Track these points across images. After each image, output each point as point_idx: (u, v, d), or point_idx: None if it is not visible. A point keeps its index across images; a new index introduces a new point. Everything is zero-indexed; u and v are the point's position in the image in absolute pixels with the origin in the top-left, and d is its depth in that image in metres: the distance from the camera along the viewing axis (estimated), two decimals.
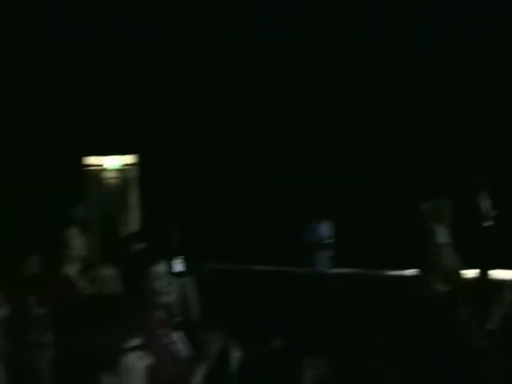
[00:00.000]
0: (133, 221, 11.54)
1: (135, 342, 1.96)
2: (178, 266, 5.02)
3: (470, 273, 7.86)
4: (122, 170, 11.91)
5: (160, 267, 3.00)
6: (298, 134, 10.70)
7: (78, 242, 4.67)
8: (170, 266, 3.96)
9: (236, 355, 3.37)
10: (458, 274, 5.93)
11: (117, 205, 11.60)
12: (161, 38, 11.26)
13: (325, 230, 8.45)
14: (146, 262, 2.89)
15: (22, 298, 4.42)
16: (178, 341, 3.34)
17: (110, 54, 11.31)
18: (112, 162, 11.85)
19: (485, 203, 8.84)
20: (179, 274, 5.86)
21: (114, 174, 11.83)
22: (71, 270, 4.67)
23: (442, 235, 5.88)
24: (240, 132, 11.20)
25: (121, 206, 11.64)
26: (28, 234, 9.21)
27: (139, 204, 11.80)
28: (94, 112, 11.34)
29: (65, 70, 11.26)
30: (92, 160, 11.76)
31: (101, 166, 11.80)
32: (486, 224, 8.79)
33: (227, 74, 11.22)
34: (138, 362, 1.95)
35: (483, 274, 8.73)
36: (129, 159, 11.96)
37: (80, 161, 11.61)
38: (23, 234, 9.13)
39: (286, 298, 7.76)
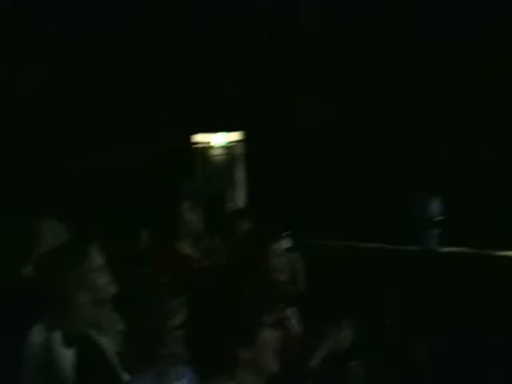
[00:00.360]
0: (239, 197, 11.68)
1: (268, 317, 1.99)
2: (285, 242, 5.01)
3: None
4: (228, 147, 12.06)
5: (277, 244, 3.02)
6: None
7: (190, 217, 4.72)
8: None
9: (348, 333, 3.35)
10: None
11: (223, 182, 11.77)
12: None
13: (435, 206, 8.28)
14: (264, 238, 2.92)
15: (140, 272, 4.53)
16: (291, 317, 3.35)
17: None
18: (219, 140, 12.01)
19: None
20: (286, 251, 5.85)
21: (220, 151, 12.01)
22: (185, 244, 4.74)
23: None
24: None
25: (227, 183, 11.80)
26: (141, 209, 9.45)
27: (246, 181, 11.92)
28: (200, 90, 11.47)
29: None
30: (199, 138, 11.95)
31: (208, 143, 11.99)
32: None
33: None
34: (273, 336, 1.99)
35: None
36: (235, 136, 12.09)
37: (188, 138, 11.82)
38: (137, 209, 9.38)
39: (394, 275, 7.66)
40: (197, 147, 11.95)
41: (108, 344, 3.10)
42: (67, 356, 3.00)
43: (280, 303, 2.07)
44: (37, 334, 3.00)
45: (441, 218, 8.22)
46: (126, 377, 3.08)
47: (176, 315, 2.75)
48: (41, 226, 3.63)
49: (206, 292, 2.09)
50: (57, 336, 3.03)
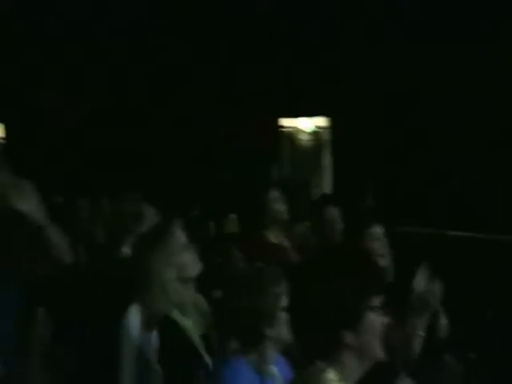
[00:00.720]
0: (326, 184, 11.62)
1: (376, 300, 1.96)
2: (379, 227, 4.93)
3: None
4: (315, 133, 12.01)
5: (377, 228, 2.98)
6: None
7: (277, 204, 4.72)
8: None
9: (444, 322, 3.29)
10: None
11: (310, 167, 11.74)
12: None
13: None
14: (365, 223, 2.89)
15: (227, 256, 4.57)
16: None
17: None
18: (306, 125, 11.98)
19: None
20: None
21: (307, 137, 11.98)
22: (273, 231, 4.74)
23: None
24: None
25: (314, 169, 11.76)
26: (226, 195, 9.55)
27: (332, 166, 11.85)
28: (287, 75, 11.44)
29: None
30: (286, 122, 11.94)
31: (295, 128, 11.98)
32: None
33: None
34: (378, 321, 1.95)
35: None
36: (322, 122, 12.03)
37: (275, 123, 11.83)
38: (223, 195, 9.49)
39: (488, 266, 7.42)
40: (283, 132, 11.94)
41: (192, 327, 3.14)
42: (151, 338, 3.05)
43: (382, 288, 2.03)
44: (133, 314, 3.06)
45: None
46: (209, 360, 3.11)
47: (282, 298, 2.77)
48: (140, 210, 3.73)
49: (309, 275, 2.07)
50: (142, 317, 3.08)
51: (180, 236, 3.19)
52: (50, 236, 2.81)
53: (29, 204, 2.75)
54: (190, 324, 3.13)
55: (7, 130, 9.89)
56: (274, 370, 2.89)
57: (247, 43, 11.26)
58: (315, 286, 2.04)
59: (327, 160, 11.96)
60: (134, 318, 3.07)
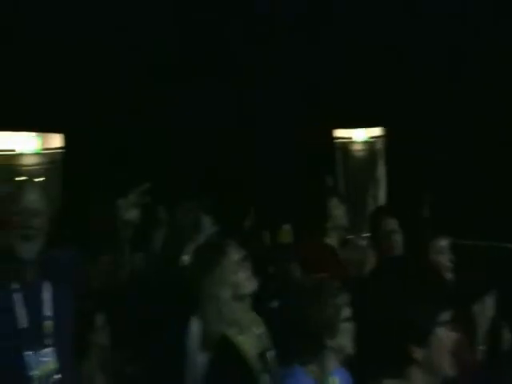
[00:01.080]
0: (381, 194, 11.54)
1: (446, 315, 1.93)
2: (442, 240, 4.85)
3: None
4: (369, 143, 11.98)
5: (442, 241, 2.93)
6: None
7: (337, 212, 4.71)
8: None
9: (508, 336, 3.22)
10: None
11: (365, 177, 11.69)
12: None
13: None
14: (428, 235, 2.84)
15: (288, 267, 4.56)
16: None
17: None
18: (360, 135, 11.95)
19: None
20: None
21: (361, 147, 11.95)
22: (333, 239, 4.72)
23: None
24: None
25: (369, 179, 11.71)
26: (280, 204, 9.55)
27: (387, 177, 11.77)
28: (342, 85, 11.39)
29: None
30: (341, 133, 11.93)
31: (349, 138, 11.95)
32: None
33: None
34: (448, 336, 1.92)
35: None
36: (376, 132, 11.99)
37: (330, 133, 11.82)
38: (277, 204, 9.49)
39: None
40: (338, 142, 11.92)
41: (248, 345, 3.12)
42: (203, 357, 3.03)
43: (450, 302, 1.99)
44: (194, 326, 3.07)
45: None
46: (266, 378, 3.08)
47: (343, 309, 2.75)
48: (199, 219, 3.75)
49: (376, 288, 2.05)
50: (196, 336, 3.07)
51: (234, 255, 3.18)
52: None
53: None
54: (246, 343, 3.11)
55: (67, 139, 10.06)
56: (336, 381, 2.87)
57: (299, 53, 11.27)
58: (382, 300, 2.01)
59: (381, 170, 11.89)
60: (195, 329, 3.08)
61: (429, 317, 1.95)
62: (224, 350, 3.02)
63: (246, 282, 3.18)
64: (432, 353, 1.95)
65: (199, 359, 3.06)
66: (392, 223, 4.61)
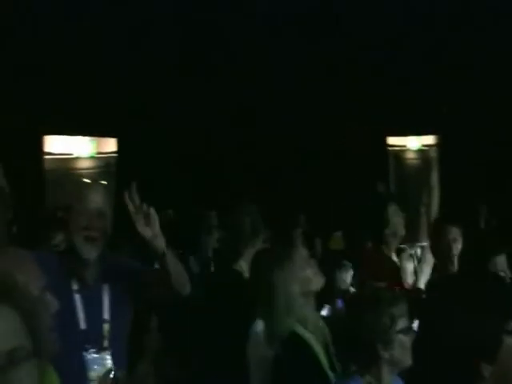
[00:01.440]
0: (434, 202, 11.42)
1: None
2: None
3: None
4: (422, 151, 11.89)
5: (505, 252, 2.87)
6: None
7: (396, 219, 4.66)
8: None
9: None
10: None
11: (419, 186, 11.60)
12: None
13: None
14: (493, 246, 2.78)
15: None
16: None
17: None
18: (413, 143, 11.87)
19: None
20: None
21: (415, 155, 11.87)
22: (391, 247, 4.67)
23: None
24: None
25: (422, 187, 11.61)
26: (333, 210, 9.50)
27: (440, 185, 11.64)
28: (395, 94, 11.29)
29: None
30: (394, 141, 11.85)
31: (403, 146, 11.87)
32: None
33: None
34: None
35: None
36: (429, 140, 11.89)
37: (384, 141, 11.75)
38: (329, 213, 9.45)
39: None
40: (391, 150, 11.84)
41: (314, 341, 3.10)
42: (269, 354, 3.02)
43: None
44: (258, 326, 3.06)
45: None
46: (331, 376, 3.05)
47: (399, 320, 2.69)
48: (258, 223, 3.76)
49: (440, 299, 2.00)
50: (266, 332, 3.06)
51: (303, 250, 3.19)
52: (169, 261, 2.81)
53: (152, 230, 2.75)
54: (313, 339, 3.09)
55: (120, 144, 10.17)
56: None
57: (353, 64, 11.22)
58: (446, 311, 1.97)
59: (435, 178, 11.77)
60: (258, 332, 3.07)
61: (496, 329, 1.90)
62: (294, 347, 3.01)
63: (314, 278, 3.18)
64: (501, 366, 1.90)
65: (264, 356, 3.04)
66: (454, 232, 4.51)
